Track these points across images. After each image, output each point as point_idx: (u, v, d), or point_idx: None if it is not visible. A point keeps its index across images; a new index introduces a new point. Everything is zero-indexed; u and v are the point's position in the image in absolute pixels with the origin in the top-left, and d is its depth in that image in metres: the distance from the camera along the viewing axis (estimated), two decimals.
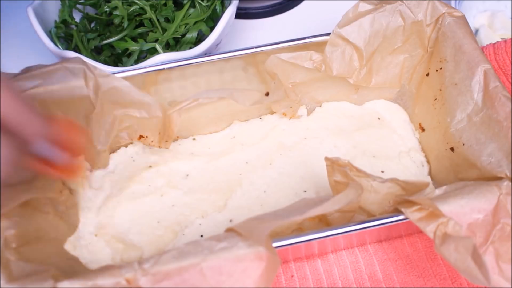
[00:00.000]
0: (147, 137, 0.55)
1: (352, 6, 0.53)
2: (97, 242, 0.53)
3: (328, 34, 0.53)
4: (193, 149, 0.59)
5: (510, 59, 0.63)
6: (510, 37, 0.67)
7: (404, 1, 0.53)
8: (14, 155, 0.36)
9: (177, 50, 0.63)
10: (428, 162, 0.58)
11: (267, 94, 0.57)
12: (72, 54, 0.57)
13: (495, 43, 0.64)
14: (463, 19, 0.53)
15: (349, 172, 0.45)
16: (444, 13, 0.52)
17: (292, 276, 0.52)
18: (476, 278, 0.39)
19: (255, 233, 0.39)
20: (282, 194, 0.56)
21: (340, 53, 0.53)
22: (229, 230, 0.42)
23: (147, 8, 0.63)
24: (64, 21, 0.65)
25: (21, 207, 0.44)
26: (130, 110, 0.52)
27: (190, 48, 0.60)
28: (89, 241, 0.53)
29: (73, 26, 0.66)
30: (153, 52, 0.62)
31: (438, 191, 0.44)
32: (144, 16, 0.64)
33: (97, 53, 0.65)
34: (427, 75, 0.56)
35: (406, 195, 0.44)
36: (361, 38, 0.53)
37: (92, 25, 0.67)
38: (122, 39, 0.63)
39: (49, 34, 0.62)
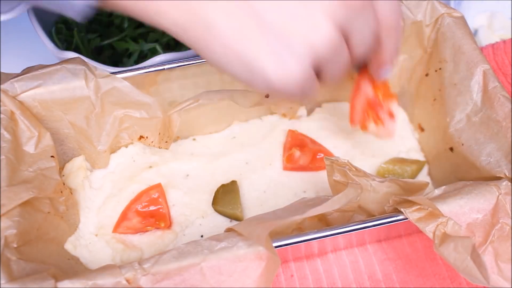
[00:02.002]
0: (147, 137, 0.55)
1: None
2: (98, 242, 0.53)
3: None
4: (193, 150, 0.59)
5: (509, 59, 0.63)
6: (509, 37, 0.67)
7: (404, 1, 0.53)
8: None
9: (177, 51, 0.63)
10: (427, 162, 0.58)
11: (267, 96, 0.58)
12: (72, 54, 0.57)
13: (494, 43, 0.65)
14: (462, 20, 0.53)
15: (349, 171, 0.45)
16: (443, 13, 0.53)
17: (292, 275, 0.52)
18: (475, 277, 0.39)
19: (255, 233, 0.39)
20: (282, 194, 0.56)
21: None
22: (229, 230, 0.42)
23: None
24: (64, 22, 0.65)
25: (22, 207, 0.44)
26: (130, 110, 0.52)
27: (190, 48, 0.60)
28: (89, 241, 0.53)
29: (73, 27, 0.66)
30: (153, 52, 0.63)
31: (437, 191, 0.44)
32: None
33: (97, 54, 0.65)
34: (426, 75, 0.56)
35: (406, 195, 0.44)
36: None
37: (93, 25, 0.67)
38: (122, 39, 0.63)
39: (49, 34, 0.62)
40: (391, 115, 0.51)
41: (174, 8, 0.36)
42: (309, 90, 0.39)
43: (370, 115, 0.51)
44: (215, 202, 0.55)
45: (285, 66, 0.36)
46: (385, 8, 0.39)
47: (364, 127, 0.52)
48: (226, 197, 0.54)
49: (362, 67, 0.48)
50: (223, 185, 0.55)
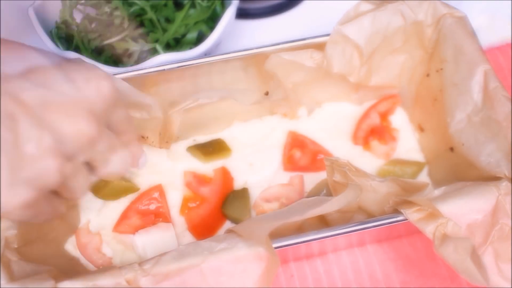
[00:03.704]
0: (147, 137, 0.55)
1: (353, 5, 0.53)
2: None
3: (328, 35, 0.53)
4: None
5: (510, 60, 0.63)
6: (510, 38, 0.67)
7: (405, 1, 0.53)
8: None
9: (177, 51, 0.63)
10: (427, 162, 0.58)
11: (266, 93, 0.58)
12: (72, 54, 0.57)
13: (495, 45, 0.64)
14: (464, 20, 0.52)
15: (348, 172, 0.45)
16: (445, 13, 0.52)
17: (292, 276, 0.53)
18: (475, 278, 0.39)
19: (255, 234, 0.39)
20: None
21: (341, 50, 0.53)
22: (229, 231, 0.42)
23: (148, 9, 0.63)
24: (65, 22, 0.65)
25: None
26: (130, 111, 0.52)
27: (190, 48, 0.60)
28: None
29: (73, 27, 0.66)
30: (153, 52, 0.63)
31: (437, 192, 0.44)
32: (144, 17, 0.64)
33: (97, 54, 0.65)
34: (427, 75, 0.56)
35: (406, 195, 0.44)
36: (361, 36, 0.52)
37: (93, 25, 0.67)
38: (122, 39, 0.63)
39: (49, 34, 0.62)
40: (393, 138, 0.58)
41: None
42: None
43: (374, 137, 0.57)
44: (224, 206, 0.55)
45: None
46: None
47: (366, 145, 0.58)
48: (235, 202, 0.55)
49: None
50: (234, 191, 0.56)
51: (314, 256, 0.53)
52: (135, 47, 0.63)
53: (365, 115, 0.59)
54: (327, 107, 0.61)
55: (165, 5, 0.65)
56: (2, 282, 0.38)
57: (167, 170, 0.57)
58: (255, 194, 0.56)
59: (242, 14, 0.73)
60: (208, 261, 0.39)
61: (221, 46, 0.64)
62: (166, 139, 0.56)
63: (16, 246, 0.43)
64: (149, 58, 0.57)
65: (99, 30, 0.65)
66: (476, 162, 0.48)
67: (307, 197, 0.54)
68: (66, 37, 0.65)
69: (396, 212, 0.44)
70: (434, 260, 0.53)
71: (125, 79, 0.51)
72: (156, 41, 0.63)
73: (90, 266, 0.51)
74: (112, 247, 0.52)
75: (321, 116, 0.61)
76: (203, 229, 0.54)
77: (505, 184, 0.43)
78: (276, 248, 0.42)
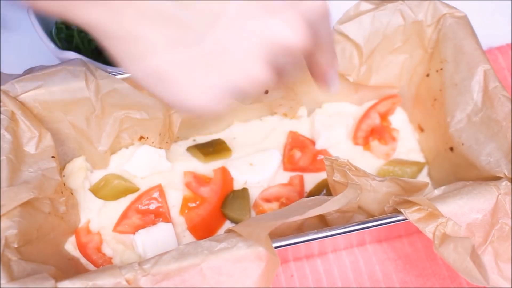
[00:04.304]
0: (147, 138, 0.55)
1: (353, 5, 0.53)
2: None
3: None
4: None
5: (509, 61, 0.63)
6: (510, 38, 0.67)
7: (405, 0, 0.53)
8: None
9: None
10: (427, 162, 0.58)
11: (266, 92, 0.57)
12: (72, 54, 0.57)
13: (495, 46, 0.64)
14: (464, 19, 0.52)
15: (348, 171, 0.45)
16: (445, 13, 0.52)
17: (292, 275, 0.53)
18: (475, 278, 0.39)
19: (255, 234, 0.39)
20: None
21: (341, 49, 0.53)
22: (229, 230, 0.42)
23: None
24: (65, 22, 0.65)
25: (22, 207, 0.44)
26: (130, 111, 0.52)
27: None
28: None
29: (73, 27, 0.66)
30: None
31: (437, 192, 0.44)
32: None
33: (97, 54, 0.65)
34: (427, 75, 0.56)
35: (405, 195, 0.44)
36: (361, 35, 0.53)
37: None
38: None
39: (49, 34, 0.62)
40: (393, 138, 0.58)
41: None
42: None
43: (375, 137, 0.57)
44: (224, 206, 0.55)
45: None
46: None
47: (366, 145, 0.58)
48: (235, 202, 0.55)
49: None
50: (234, 191, 0.56)
51: (314, 256, 0.53)
52: None
53: (365, 115, 0.59)
54: (327, 107, 0.61)
55: None
56: (2, 282, 0.38)
57: (167, 170, 0.57)
58: (255, 194, 0.56)
59: None
60: (208, 260, 0.39)
61: None
62: (166, 140, 0.56)
63: (16, 246, 0.43)
64: None
65: None
66: (476, 162, 0.48)
67: (307, 197, 0.54)
68: (66, 37, 0.65)
69: (396, 212, 0.44)
70: (434, 260, 0.53)
71: (125, 79, 0.51)
72: None
73: (90, 266, 0.51)
74: (112, 247, 0.53)
75: (321, 116, 0.61)
76: (203, 229, 0.54)
77: (505, 184, 0.43)
78: (276, 248, 0.42)
